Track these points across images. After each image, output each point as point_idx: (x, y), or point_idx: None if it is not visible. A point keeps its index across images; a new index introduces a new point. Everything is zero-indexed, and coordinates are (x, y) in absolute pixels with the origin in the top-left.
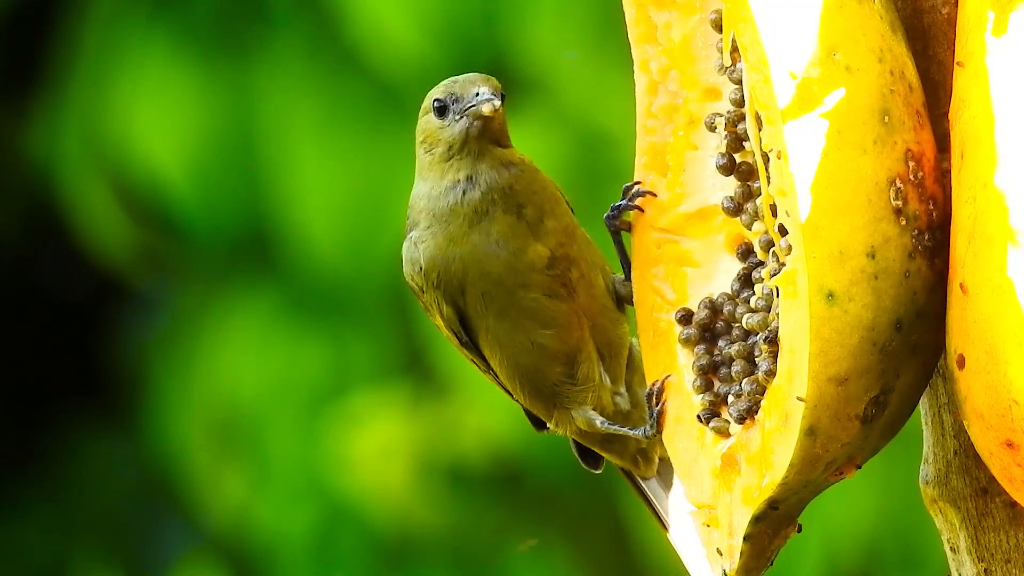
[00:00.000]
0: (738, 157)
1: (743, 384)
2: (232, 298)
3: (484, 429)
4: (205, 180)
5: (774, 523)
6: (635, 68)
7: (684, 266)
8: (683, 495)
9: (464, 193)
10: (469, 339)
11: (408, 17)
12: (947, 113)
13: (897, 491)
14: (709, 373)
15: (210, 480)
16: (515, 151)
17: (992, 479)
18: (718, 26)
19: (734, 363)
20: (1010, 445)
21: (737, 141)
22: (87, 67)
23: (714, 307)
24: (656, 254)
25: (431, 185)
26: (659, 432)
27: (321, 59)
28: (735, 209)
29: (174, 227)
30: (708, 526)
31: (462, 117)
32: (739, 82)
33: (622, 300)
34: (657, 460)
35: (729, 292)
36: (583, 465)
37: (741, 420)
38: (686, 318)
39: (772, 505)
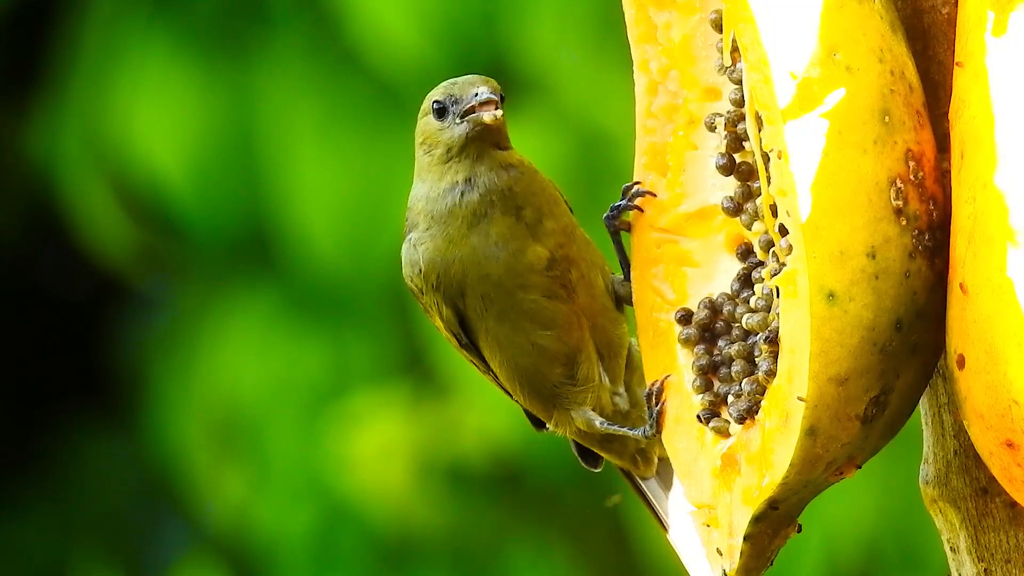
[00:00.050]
0: (738, 157)
1: (743, 384)
2: (232, 298)
3: (484, 429)
4: (205, 180)
5: (774, 523)
6: (635, 68)
7: (684, 266)
8: (683, 495)
9: (463, 195)
10: (469, 340)
11: (408, 17)
12: (947, 113)
13: (897, 491)
14: (709, 373)
15: (210, 480)
16: (514, 152)
17: (992, 479)
18: (718, 26)
19: (734, 363)
20: (1010, 445)
21: (737, 141)
22: (87, 67)
23: (714, 307)
24: (656, 254)
25: (430, 187)
26: (658, 432)
27: (321, 59)
28: (735, 209)
29: (174, 227)
30: (708, 526)
31: (462, 120)
32: (739, 82)
33: (621, 300)
34: (656, 460)
35: (729, 292)
36: (582, 464)
37: (741, 420)
38: (686, 318)
39: (772, 505)
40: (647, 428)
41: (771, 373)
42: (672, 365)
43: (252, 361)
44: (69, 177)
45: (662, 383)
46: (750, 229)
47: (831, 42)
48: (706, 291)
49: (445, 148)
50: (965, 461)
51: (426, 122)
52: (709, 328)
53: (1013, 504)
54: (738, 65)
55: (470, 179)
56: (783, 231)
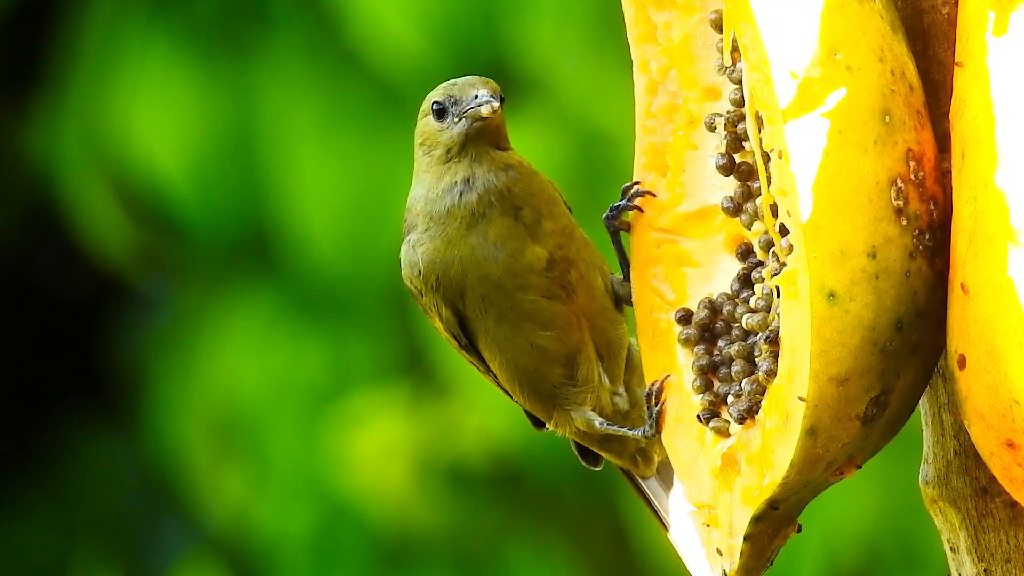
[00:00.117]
0: (738, 157)
1: (743, 384)
2: (232, 298)
3: (484, 429)
4: (205, 180)
5: (774, 523)
6: (635, 68)
7: (683, 266)
8: (683, 495)
9: (461, 195)
10: (468, 342)
11: (408, 17)
12: (947, 113)
13: (897, 491)
14: (709, 373)
15: (210, 480)
16: (513, 153)
17: (992, 479)
18: (718, 26)
19: (734, 363)
20: (1011, 445)
21: (737, 141)
22: (87, 67)
23: (714, 307)
24: (655, 254)
25: (428, 187)
26: (658, 432)
27: (321, 59)
28: (735, 209)
29: (174, 227)
30: (708, 526)
31: (461, 119)
32: (739, 82)
33: (621, 300)
34: (656, 460)
35: (729, 292)
36: (583, 463)
37: (741, 420)
38: (686, 318)
39: (772, 505)
40: (647, 428)
41: (771, 373)
42: (672, 365)
43: (252, 361)
44: (69, 177)
45: (662, 383)
46: (750, 229)
47: (832, 42)
48: (706, 291)
49: (445, 148)
50: (965, 461)
51: (425, 123)
52: (709, 328)
53: (1013, 504)
54: (738, 65)
55: (469, 179)
56: (783, 231)
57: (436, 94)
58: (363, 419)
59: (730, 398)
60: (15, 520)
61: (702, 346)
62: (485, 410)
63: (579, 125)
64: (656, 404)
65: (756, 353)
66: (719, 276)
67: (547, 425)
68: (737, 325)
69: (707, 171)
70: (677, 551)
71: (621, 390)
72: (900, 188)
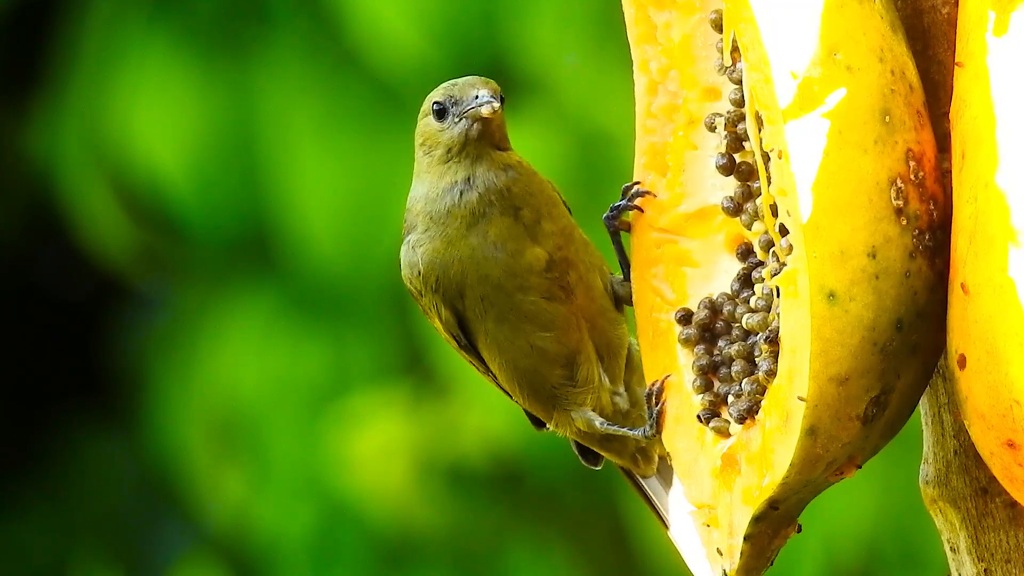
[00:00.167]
0: (738, 157)
1: (743, 384)
2: (232, 298)
3: (484, 429)
4: (205, 180)
5: (774, 523)
6: (635, 68)
7: (684, 266)
8: (683, 495)
9: (461, 195)
10: (468, 342)
11: (408, 17)
12: (947, 113)
13: (897, 491)
14: (709, 373)
15: (210, 480)
16: (513, 154)
17: (992, 479)
18: (718, 26)
19: (734, 363)
20: (1011, 445)
21: (737, 141)
22: (87, 67)
23: (714, 307)
24: (656, 254)
25: (429, 187)
26: (658, 432)
27: (321, 59)
28: (735, 209)
29: (174, 227)
30: (708, 526)
31: (461, 119)
32: (739, 82)
33: (621, 300)
34: (657, 459)
35: (729, 292)
36: (583, 462)
37: (741, 420)
38: (686, 318)
39: (772, 505)
40: (647, 428)
41: (771, 373)
42: (672, 365)
43: (252, 361)
44: (69, 177)
45: (662, 383)
46: (750, 229)
47: (832, 42)
48: (706, 291)
49: (445, 148)
50: (965, 461)
51: (426, 123)
52: (709, 328)
53: (1013, 504)
54: (738, 65)
55: (469, 179)
56: (783, 231)
57: (436, 94)
58: (363, 419)
59: (730, 398)
60: (15, 520)
61: (702, 346)
62: (485, 410)
63: (579, 125)
64: (656, 404)
65: (756, 353)
66: (719, 276)
67: (547, 425)
68: (737, 325)
69: (707, 171)
70: (678, 549)
71: (621, 390)
72: (900, 188)
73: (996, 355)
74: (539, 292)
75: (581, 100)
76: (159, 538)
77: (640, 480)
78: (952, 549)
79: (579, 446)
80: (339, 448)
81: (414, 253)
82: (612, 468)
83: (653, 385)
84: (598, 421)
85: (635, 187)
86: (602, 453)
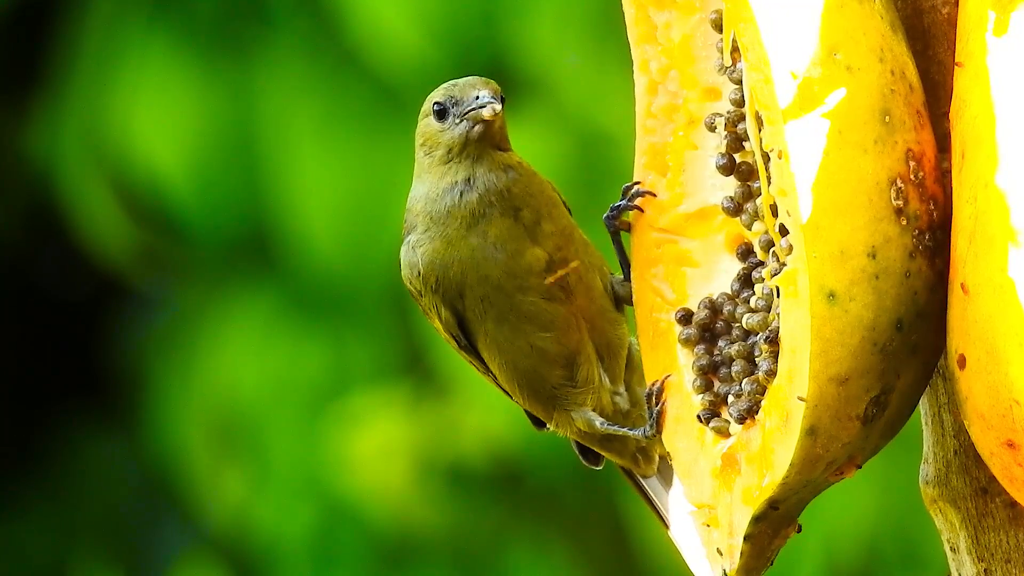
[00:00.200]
0: (738, 157)
1: (743, 384)
2: (232, 298)
3: (484, 429)
4: (205, 180)
5: (774, 523)
6: (635, 68)
7: (684, 266)
8: (683, 495)
9: (461, 195)
10: (468, 343)
11: (408, 17)
12: (947, 113)
13: (897, 491)
14: (709, 373)
15: (210, 480)
16: (513, 154)
17: (992, 479)
18: (718, 26)
19: (734, 363)
20: (1011, 445)
21: (737, 141)
22: (87, 67)
23: (714, 307)
24: (656, 254)
25: (429, 188)
26: (659, 432)
27: (321, 59)
28: (735, 209)
29: (174, 227)
30: (708, 526)
31: (462, 120)
32: (739, 82)
33: (621, 300)
34: (657, 459)
35: (729, 292)
36: (583, 462)
37: (741, 420)
38: (686, 318)
39: (772, 505)
40: (647, 428)
41: (771, 373)
42: (672, 365)
43: (252, 361)
44: (69, 177)
45: (662, 383)
46: (750, 229)
47: (831, 42)
48: (706, 291)
49: (446, 149)
50: (965, 461)
51: (426, 123)
52: (709, 328)
53: (1013, 504)
54: (738, 65)
55: (469, 179)
56: (783, 231)
57: (437, 95)
58: (363, 419)
59: (730, 398)
60: (15, 520)
61: (702, 346)
62: (485, 410)
63: (579, 125)
64: (656, 404)
65: (756, 353)
66: (719, 276)
67: (548, 425)
68: (737, 325)
69: (707, 171)
70: (678, 549)
71: (622, 390)
72: (900, 188)
73: (996, 355)
74: (539, 292)
75: (581, 100)
76: (159, 538)
77: (641, 480)
78: (952, 549)
79: (580, 446)
80: (339, 448)
81: (414, 253)
82: (612, 468)
83: (653, 385)
84: (598, 421)
85: (635, 187)
86: (603, 453)
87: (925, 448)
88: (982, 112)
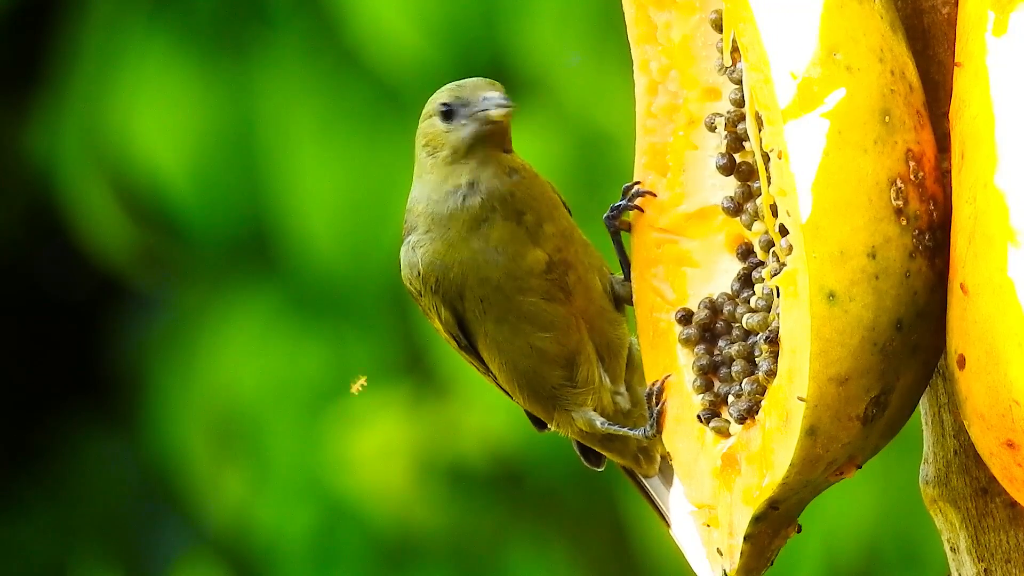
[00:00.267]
0: (738, 157)
1: (743, 384)
2: (232, 298)
3: (484, 429)
4: (205, 180)
5: (774, 523)
6: (635, 68)
7: (684, 266)
8: (684, 494)
9: (464, 199)
10: (468, 343)
11: (408, 17)
12: (947, 113)
13: (897, 491)
14: (709, 373)
15: (210, 480)
16: (516, 156)
17: (992, 479)
18: (718, 26)
19: (734, 363)
20: (1011, 445)
21: (737, 141)
22: (87, 67)
23: (714, 307)
24: (656, 254)
25: (431, 189)
26: (659, 432)
27: (321, 59)
28: (735, 209)
29: (174, 227)
30: (708, 526)
31: (469, 121)
32: (739, 82)
33: (621, 300)
34: (659, 459)
35: (729, 292)
36: (585, 464)
37: (741, 420)
38: (686, 318)
39: (772, 505)
40: (647, 428)
41: (771, 373)
42: (672, 365)
43: (252, 361)
44: (69, 177)
45: (662, 383)
46: (750, 229)
47: (831, 42)
48: (706, 291)
49: (451, 150)
50: (965, 461)
51: (431, 124)
52: (709, 328)
53: (1013, 504)
54: (738, 65)
55: (473, 183)
56: (783, 231)
57: (443, 95)
58: (363, 419)
59: (730, 398)
60: (15, 520)
61: (702, 346)
62: (485, 410)
63: (579, 125)
64: (657, 404)
65: (756, 353)
66: (719, 276)
67: (549, 426)
68: (737, 325)
69: (707, 171)
70: (680, 548)
71: (623, 389)
72: (900, 188)
73: (995, 355)
74: (538, 293)
75: (581, 100)
76: (159, 538)
77: (642, 480)
78: (952, 549)
79: (581, 447)
80: (339, 448)
81: (414, 254)
82: (612, 468)
83: (653, 385)
84: (599, 421)
85: (635, 187)
86: (604, 453)
87: (925, 448)
88: (981, 112)
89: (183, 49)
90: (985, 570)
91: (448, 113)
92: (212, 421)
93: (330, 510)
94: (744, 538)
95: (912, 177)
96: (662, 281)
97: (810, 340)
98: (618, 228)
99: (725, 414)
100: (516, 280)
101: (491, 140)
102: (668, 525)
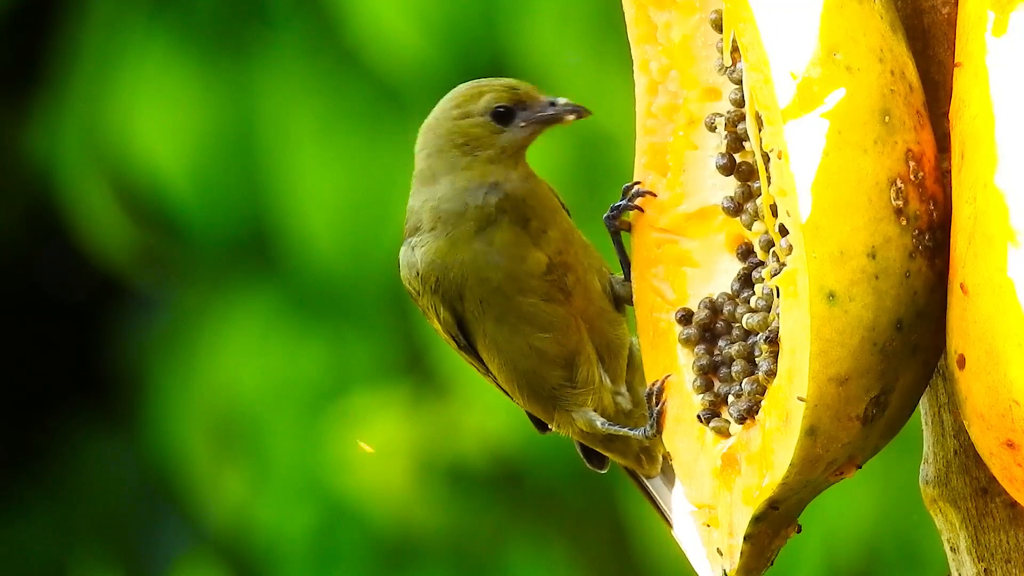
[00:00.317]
0: (738, 157)
1: (743, 384)
2: (232, 298)
3: (484, 429)
4: (205, 180)
5: (774, 523)
6: (635, 68)
7: (684, 266)
8: (684, 495)
9: (484, 196)
10: (467, 343)
11: (408, 17)
12: (947, 113)
13: (897, 491)
14: (709, 373)
15: (210, 480)
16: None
17: (992, 479)
18: (718, 26)
19: (734, 363)
20: (1010, 445)
21: (737, 141)
22: (87, 67)
23: (714, 307)
24: (656, 254)
25: (446, 187)
26: (659, 432)
27: (321, 59)
28: (735, 209)
29: (174, 227)
30: (708, 526)
31: (528, 125)
32: (739, 82)
33: (621, 300)
34: (661, 459)
35: (729, 292)
36: (588, 465)
37: (741, 420)
38: (686, 318)
39: (772, 505)
40: (648, 428)
41: (771, 373)
42: (672, 365)
43: (252, 361)
44: (69, 177)
45: (662, 383)
46: (750, 229)
47: (831, 42)
48: (706, 291)
49: (499, 150)
50: (965, 461)
51: (476, 123)
52: (709, 328)
53: (1013, 504)
54: (738, 65)
55: (497, 184)
56: (783, 231)
57: (495, 98)
58: (363, 419)
59: (730, 398)
60: (15, 520)
61: (702, 346)
62: (485, 410)
63: (579, 125)
64: (657, 404)
65: (756, 353)
66: (719, 276)
67: (550, 426)
68: (737, 325)
69: (707, 171)
70: (682, 548)
71: (623, 390)
72: (900, 188)
73: (995, 355)
74: (538, 294)
75: (581, 100)
76: (159, 538)
77: (644, 480)
78: (952, 549)
79: (584, 449)
80: (339, 448)
81: (413, 254)
82: (613, 468)
83: (653, 385)
84: (599, 421)
85: (635, 187)
86: (605, 453)
87: (925, 448)
88: (981, 112)
89: (183, 49)
90: (985, 570)
91: (504, 115)
92: (212, 421)
93: (330, 510)
94: (744, 538)
95: (912, 177)
96: (662, 281)
97: (810, 340)
98: (618, 228)
99: (725, 414)
100: (516, 281)
101: (527, 144)
102: (670, 526)
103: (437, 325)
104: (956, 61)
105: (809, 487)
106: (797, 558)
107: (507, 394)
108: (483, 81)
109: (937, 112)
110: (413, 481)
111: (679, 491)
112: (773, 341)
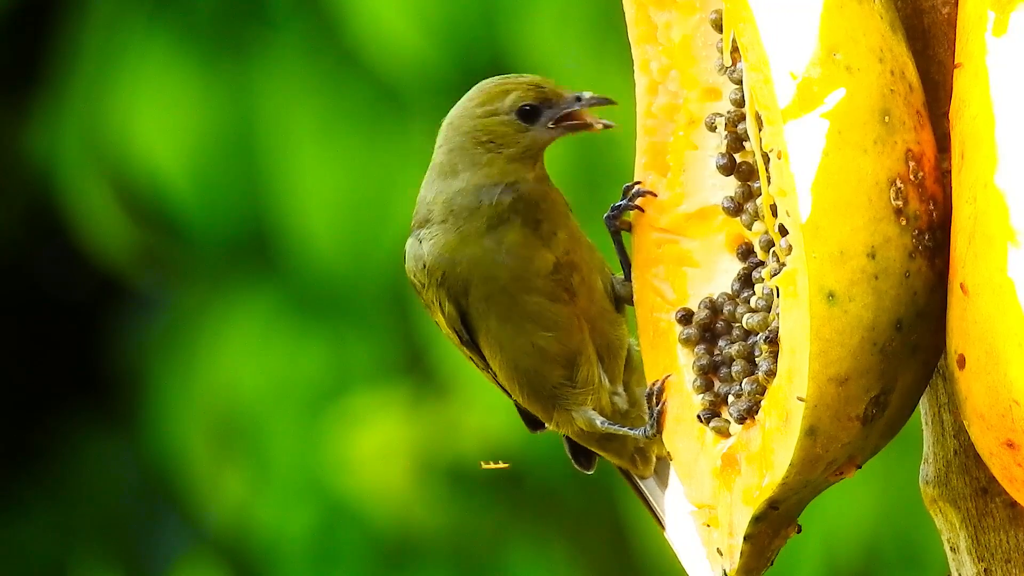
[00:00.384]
0: (738, 157)
1: (743, 384)
2: (232, 298)
3: (484, 429)
4: (205, 180)
5: (774, 523)
6: (635, 68)
7: (684, 266)
8: (682, 495)
9: (499, 194)
10: (470, 338)
11: (408, 17)
12: (947, 113)
13: (897, 491)
14: (709, 373)
15: (210, 480)
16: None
17: (992, 479)
18: (718, 26)
19: (734, 363)
20: (1010, 445)
21: (737, 141)
22: (87, 67)
23: (714, 307)
24: (656, 254)
25: (463, 182)
26: (659, 432)
27: (321, 59)
28: (735, 209)
29: (174, 227)
30: (708, 526)
31: (556, 125)
32: (739, 82)
33: (621, 300)
34: (654, 460)
35: (729, 292)
36: (575, 465)
37: (741, 420)
38: (686, 318)
39: (772, 505)
40: (648, 428)
41: (771, 373)
42: (672, 365)
43: (252, 361)
44: (69, 177)
45: (663, 383)
46: (750, 229)
47: (831, 42)
48: (706, 291)
49: (523, 149)
50: (965, 461)
51: (501, 121)
52: (709, 328)
53: (1013, 504)
54: (738, 65)
55: (514, 183)
56: (783, 231)
57: (520, 97)
58: (363, 419)
59: (730, 398)
60: (15, 520)
61: (702, 346)
62: (485, 410)
63: None
64: (657, 404)
65: (756, 353)
66: (720, 276)
67: (547, 424)
68: (737, 325)
69: (707, 171)
70: (675, 549)
71: (620, 390)
72: (900, 188)
73: (995, 355)
74: (543, 294)
75: None
76: (159, 538)
77: (637, 481)
78: (952, 549)
79: (572, 448)
80: (339, 448)
81: (420, 247)
82: (612, 468)
83: (654, 385)
84: (599, 420)
85: (636, 187)
86: (600, 453)
87: (925, 448)
88: (981, 112)
89: (183, 49)
90: (985, 570)
91: (530, 113)
92: (212, 421)
93: (330, 510)
94: (744, 538)
95: (912, 177)
96: (662, 281)
97: (810, 340)
98: (618, 228)
99: (725, 414)
100: (522, 280)
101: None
102: (662, 526)
103: (440, 319)
104: (956, 61)
105: (809, 487)
106: (797, 558)
107: (505, 391)
108: (509, 78)
109: (937, 112)
110: (413, 481)
111: (673, 492)
112: (773, 341)
